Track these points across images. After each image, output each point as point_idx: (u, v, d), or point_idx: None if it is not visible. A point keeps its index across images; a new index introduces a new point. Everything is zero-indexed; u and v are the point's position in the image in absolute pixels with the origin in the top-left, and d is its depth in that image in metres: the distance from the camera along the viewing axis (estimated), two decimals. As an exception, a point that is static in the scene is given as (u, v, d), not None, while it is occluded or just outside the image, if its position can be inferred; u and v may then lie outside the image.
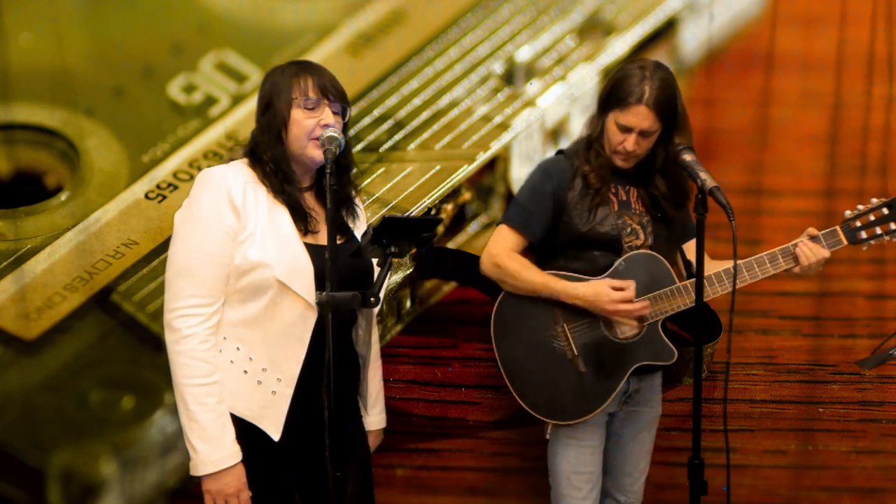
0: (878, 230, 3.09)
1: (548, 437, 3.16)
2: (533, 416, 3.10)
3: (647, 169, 3.12)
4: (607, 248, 3.09)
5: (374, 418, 2.97)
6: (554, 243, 3.12)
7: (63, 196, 3.50)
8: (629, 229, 3.11)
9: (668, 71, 3.07)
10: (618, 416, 3.19)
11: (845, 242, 3.08)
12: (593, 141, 3.10)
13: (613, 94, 3.04)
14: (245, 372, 2.64)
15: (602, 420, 3.15)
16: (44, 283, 3.36)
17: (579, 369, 3.08)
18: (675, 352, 3.10)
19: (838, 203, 3.82)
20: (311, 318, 2.65)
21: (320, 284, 2.63)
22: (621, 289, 3.03)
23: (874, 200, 3.10)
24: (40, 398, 3.32)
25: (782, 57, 3.89)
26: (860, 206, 3.11)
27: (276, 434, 2.64)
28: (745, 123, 3.92)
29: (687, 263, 3.15)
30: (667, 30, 3.80)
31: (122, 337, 3.36)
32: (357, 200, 2.88)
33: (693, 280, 3.04)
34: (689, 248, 3.17)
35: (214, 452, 2.58)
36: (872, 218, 3.09)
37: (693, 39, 3.83)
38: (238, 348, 2.64)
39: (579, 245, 3.09)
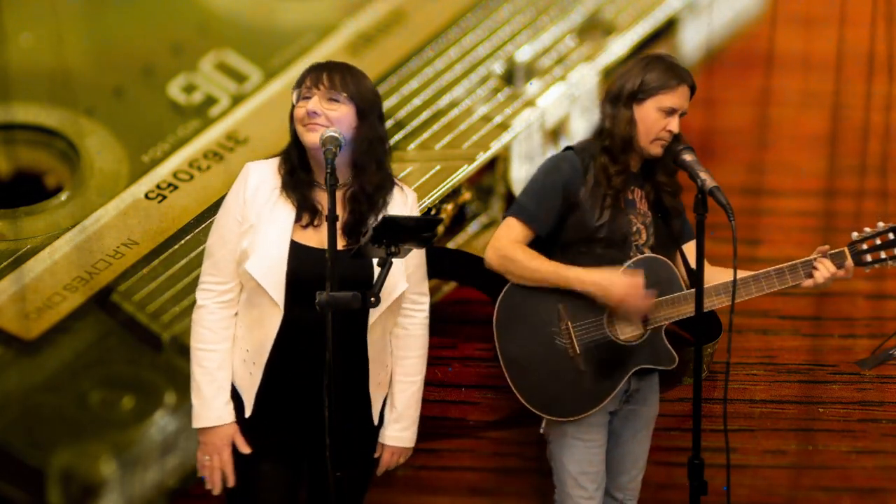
0: (883, 255, 3.10)
1: (542, 431, 3.16)
2: (529, 410, 3.09)
3: (648, 164, 3.14)
4: (615, 246, 3.09)
5: (394, 433, 2.94)
6: (561, 239, 3.12)
7: (63, 196, 3.50)
8: (634, 228, 3.12)
9: None
10: (618, 414, 3.18)
11: (851, 264, 3.10)
12: (627, 137, 3.07)
13: (649, 83, 3.06)
14: (241, 349, 2.84)
15: (605, 420, 3.15)
16: (44, 283, 3.36)
17: (579, 368, 3.07)
18: (676, 357, 3.09)
19: (838, 203, 3.83)
20: (276, 315, 2.77)
21: (300, 286, 2.73)
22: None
23: (881, 225, 3.11)
24: (40, 398, 3.32)
25: (782, 57, 3.89)
26: (867, 229, 3.11)
27: (248, 410, 2.83)
28: (745, 123, 3.92)
29: (690, 271, 3.15)
30: (667, 30, 3.80)
31: (122, 337, 3.36)
32: (395, 205, 2.89)
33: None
34: (689, 250, 3.17)
35: (202, 410, 2.82)
36: (879, 242, 3.10)
37: (693, 39, 3.83)
38: (241, 327, 2.84)
39: (588, 242, 3.09)
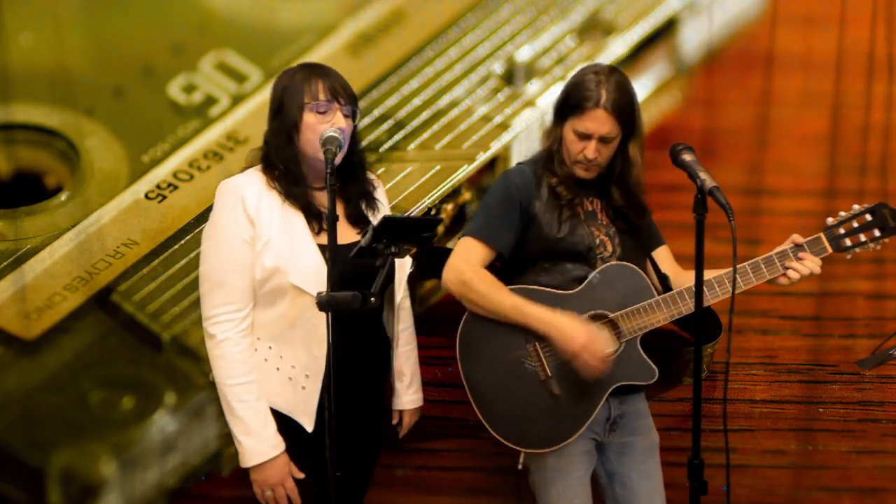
0: (863, 237, 3.04)
1: (520, 467, 3.01)
2: (504, 445, 2.96)
3: (605, 180, 3.03)
4: (579, 259, 2.98)
5: (410, 398, 3.03)
6: (523, 256, 2.99)
7: (63, 196, 3.50)
8: (598, 240, 3.01)
9: (623, 75, 2.99)
10: (609, 448, 3.05)
11: (830, 250, 3.04)
12: (553, 153, 2.99)
13: (569, 101, 2.95)
14: (278, 369, 2.77)
15: (587, 447, 3.01)
16: (44, 283, 3.37)
17: (553, 392, 2.93)
18: (656, 370, 2.98)
19: (838, 203, 3.81)
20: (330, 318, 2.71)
21: (343, 285, 2.64)
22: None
23: (856, 207, 3.06)
24: (40, 398, 3.32)
25: (782, 57, 3.89)
26: (842, 213, 3.06)
27: (309, 426, 2.78)
28: (745, 123, 3.92)
29: (662, 277, 3.06)
30: (667, 30, 3.80)
31: (122, 337, 3.37)
32: (379, 190, 2.96)
33: (670, 293, 2.99)
34: (660, 256, 3.12)
35: (257, 445, 2.74)
36: (856, 225, 3.04)
37: (693, 39, 3.83)
38: (270, 347, 2.78)
39: (551, 257, 2.97)
